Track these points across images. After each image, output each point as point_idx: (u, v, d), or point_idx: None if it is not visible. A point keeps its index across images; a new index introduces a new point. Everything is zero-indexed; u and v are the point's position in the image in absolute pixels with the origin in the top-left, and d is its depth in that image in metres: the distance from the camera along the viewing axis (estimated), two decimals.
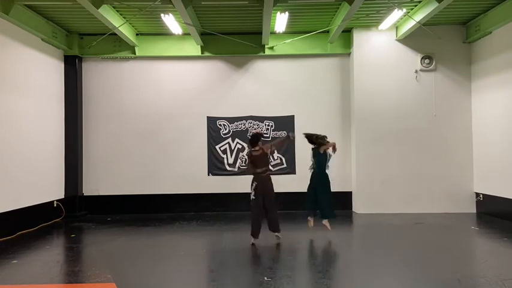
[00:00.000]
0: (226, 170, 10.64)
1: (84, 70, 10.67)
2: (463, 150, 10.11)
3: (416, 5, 8.79)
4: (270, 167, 7.72)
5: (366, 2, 8.29)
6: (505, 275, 5.16)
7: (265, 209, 7.04)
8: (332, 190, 10.41)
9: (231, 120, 10.68)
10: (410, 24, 9.25)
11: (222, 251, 6.87)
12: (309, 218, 7.81)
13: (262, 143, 7.32)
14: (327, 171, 7.74)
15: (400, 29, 9.95)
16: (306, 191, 10.60)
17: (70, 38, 10.28)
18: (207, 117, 10.70)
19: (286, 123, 10.68)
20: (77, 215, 10.07)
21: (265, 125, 10.70)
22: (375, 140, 10.15)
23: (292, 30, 10.21)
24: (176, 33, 9.84)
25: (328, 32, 10.29)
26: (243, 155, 10.65)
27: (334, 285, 5.16)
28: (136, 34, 10.43)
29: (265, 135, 10.69)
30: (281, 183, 10.50)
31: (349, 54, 10.62)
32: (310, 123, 10.65)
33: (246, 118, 10.70)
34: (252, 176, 7.16)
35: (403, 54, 10.19)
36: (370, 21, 9.79)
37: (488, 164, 9.46)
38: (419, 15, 8.70)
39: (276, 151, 8.22)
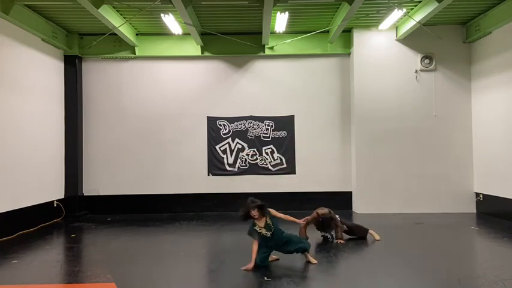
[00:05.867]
0: (226, 170, 10.64)
1: (84, 70, 10.67)
2: (463, 150, 10.11)
3: (416, 5, 8.79)
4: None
5: (366, 2, 8.29)
6: (505, 275, 5.16)
7: None
8: (332, 190, 10.56)
9: (231, 120, 10.68)
10: (410, 24, 9.25)
11: (222, 251, 6.87)
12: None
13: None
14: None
15: (400, 29, 9.95)
16: (305, 191, 10.69)
17: (70, 38, 10.28)
18: (207, 117, 10.71)
19: (286, 123, 10.69)
20: (77, 215, 10.06)
21: (265, 125, 10.70)
22: (375, 140, 10.16)
23: (292, 30, 10.21)
24: (176, 33, 9.83)
25: (328, 32, 10.29)
26: (242, 155, 10.66)
27: (334, 285, 5.16)
28: (136, 34, 10.43)
29: (264, 135, 10.71)
30: (281, 183, 10.58)
31: (349, 54, 10.62)
32: (310, 123, 10.68)
33: (246, 118, 10.70)
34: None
35: (403, 54, 10.19)
36: (370, 21, 9.79)
37: (488, 164, 9.46)
38: (419, 15, 8.70)
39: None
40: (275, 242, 5.72)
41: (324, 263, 5.90)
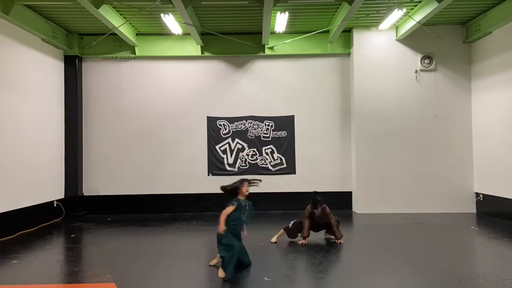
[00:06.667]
0: (226, 170, 10.64)
1: (84, 70, 10.67)
2: (463, 150, 10.11)
3: (416, 5, 8.79)
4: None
5: (366, 2, 8.29)
6: (505, 275, 5.16)
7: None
8: (332, 190, 10.56)
9: (231, 120, 10.69)
10: (410, 24, 9.25)
11: None
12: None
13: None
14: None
15: (400, 29, 9.95)
16: (304, 191, 10.67)
17: (70, 38, 10.28)
18: (207, 117, 10.71)
19: (286, 123, 10.69)
20: (77, 215, 10.07)
21: (265, 125, 10.70)
22: (375, 140, 10.16)
23: (292, 30, 10.22)
24: (176, 33, 9.84)
25: (328, 32, 10.29)
26: (242, 155, 10.66)
27: (334, 285, 5.16)
28: (136, 34, 10.43)
29: (264, 135, 10.72)
30: (281, 183, 10.58)
31: (349, 54, 10.62)
32: (310, 123, 10.69)
33: (246, 118, 10.70)
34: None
35: (403, 54, 10.19)
36: (370, 21, 9.80)
37: (488, 164, 9.46)
38: (419, 15, 8.70)
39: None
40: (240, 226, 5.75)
41: (324, 263, 5.90)
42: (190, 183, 10.61)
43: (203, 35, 10.21)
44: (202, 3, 8.22)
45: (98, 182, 10.60)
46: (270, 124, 10.71)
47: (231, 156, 10.68)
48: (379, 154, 10.15)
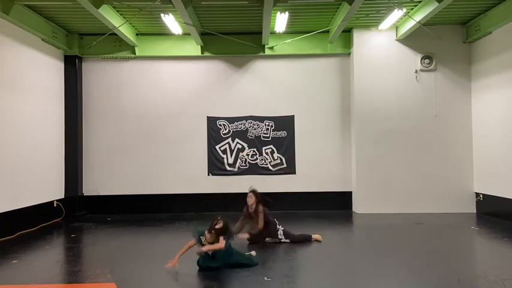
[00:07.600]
0: (226, 170, 10.64)
1: (84, 70, 10.67)
2: (463, 150, 10.11)
3: (416, 5, 8.79)
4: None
5: (366, 2, 8.29)
6: (505, 275, 5.16)
7: None
8: (332, 190, 10.57)
9: (231, 120, 10.68)
10: (410, 24, 9.25)
11: None
12: None
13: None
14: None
15: (400, 29, 9.95)
16: (305, 191, 10.68)
17: (70, 38, 10.28)
18: (207, 117, 10.71)
19: (286, 123, 10.69)
20: (77, 215, 10.06)
21: (265, 125, 10.70)
22: (375, 140, 10.16)
23: (292, 30, 10.22)
24: (176, 33, 9.84)
25: (328, 32, 10.29)
26: (242, 155, 10.66)
27: (334, 285, 5.16)
28: (136, 34, 10.43)
29: (264, 135, 10.71)
30: (281, 183, 10.57)
31: (349, 54, 10.62)
32: (310, 123, 10.69)
33: (246, 118, 10.70)
34: None
35: (403, 54, 10.19)
36: (370, 21, 9.80)
37: (488, 164, 9.46)
38: (419, 15, 8.70)
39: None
40: (215, 261, 5.62)
41: (324, 263, 5.90)
42: (190, 183, 10.61)
43: (203, 35, 10.20)
44: (202, 3, 8.22)
45: (97, 182, 10.60)
46: (270, 124, 10.71)
47: (231, 156, 10.68)
48: (379, 154, 10.15)
